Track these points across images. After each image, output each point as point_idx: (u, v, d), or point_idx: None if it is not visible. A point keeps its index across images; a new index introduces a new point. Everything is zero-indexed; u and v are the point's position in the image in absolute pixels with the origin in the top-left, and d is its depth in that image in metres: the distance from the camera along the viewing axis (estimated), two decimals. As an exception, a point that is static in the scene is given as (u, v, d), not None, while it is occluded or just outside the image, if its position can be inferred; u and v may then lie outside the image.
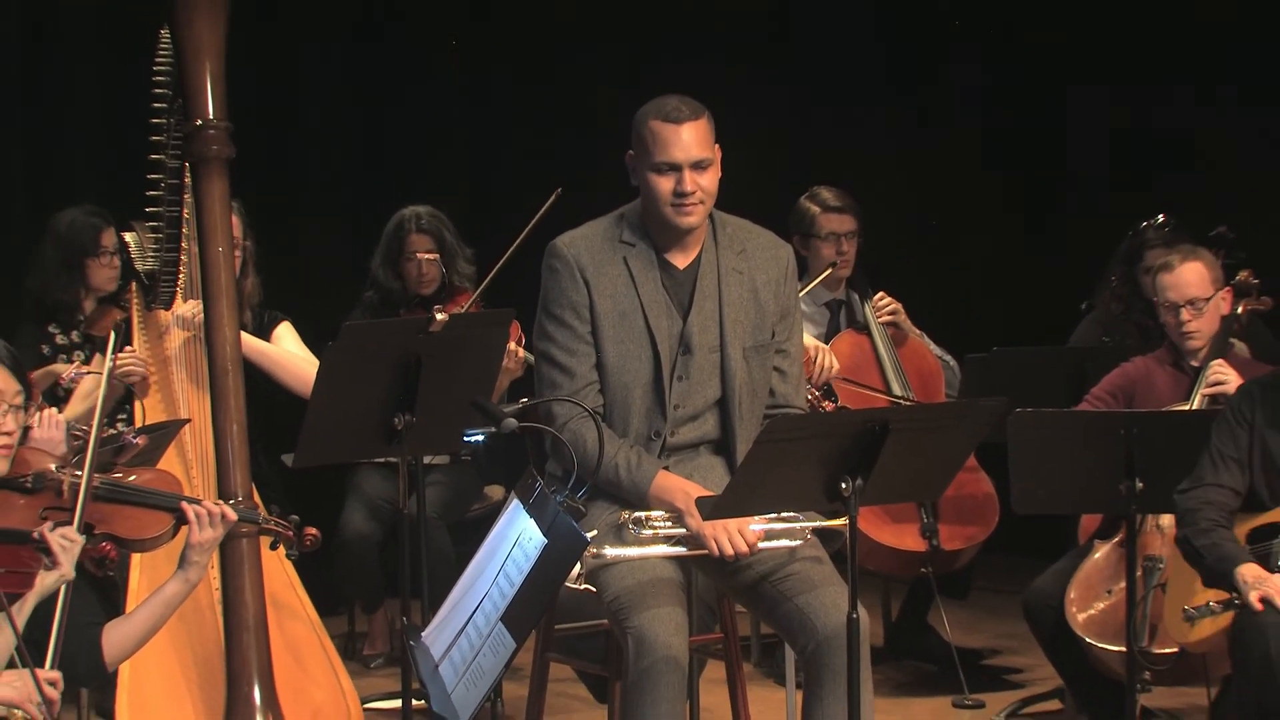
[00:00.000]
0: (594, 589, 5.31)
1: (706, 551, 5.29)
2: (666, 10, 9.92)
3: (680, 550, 5.32)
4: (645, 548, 5.31)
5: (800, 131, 9.90)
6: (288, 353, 6.99)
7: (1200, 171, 9.24)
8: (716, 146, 5.45)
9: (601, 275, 5.48)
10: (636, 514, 5.33)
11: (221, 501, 5.18)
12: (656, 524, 5.33)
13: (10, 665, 4.48)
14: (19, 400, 4.89)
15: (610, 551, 5.26)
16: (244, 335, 6.58)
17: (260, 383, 6.85)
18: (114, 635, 5.05)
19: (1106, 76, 9.67)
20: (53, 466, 4.91)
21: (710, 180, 5.43)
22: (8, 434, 4.86)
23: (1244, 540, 5.73)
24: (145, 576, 6.03)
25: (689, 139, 5.38)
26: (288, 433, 6.82)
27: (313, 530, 5.40)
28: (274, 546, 5.52)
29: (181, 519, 5.05)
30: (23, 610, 4.57)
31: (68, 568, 4.60)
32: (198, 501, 5.10)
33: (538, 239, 5.79)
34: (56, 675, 4.35)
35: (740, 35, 10.06)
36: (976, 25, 10.02)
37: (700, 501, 5.27)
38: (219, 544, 5.23)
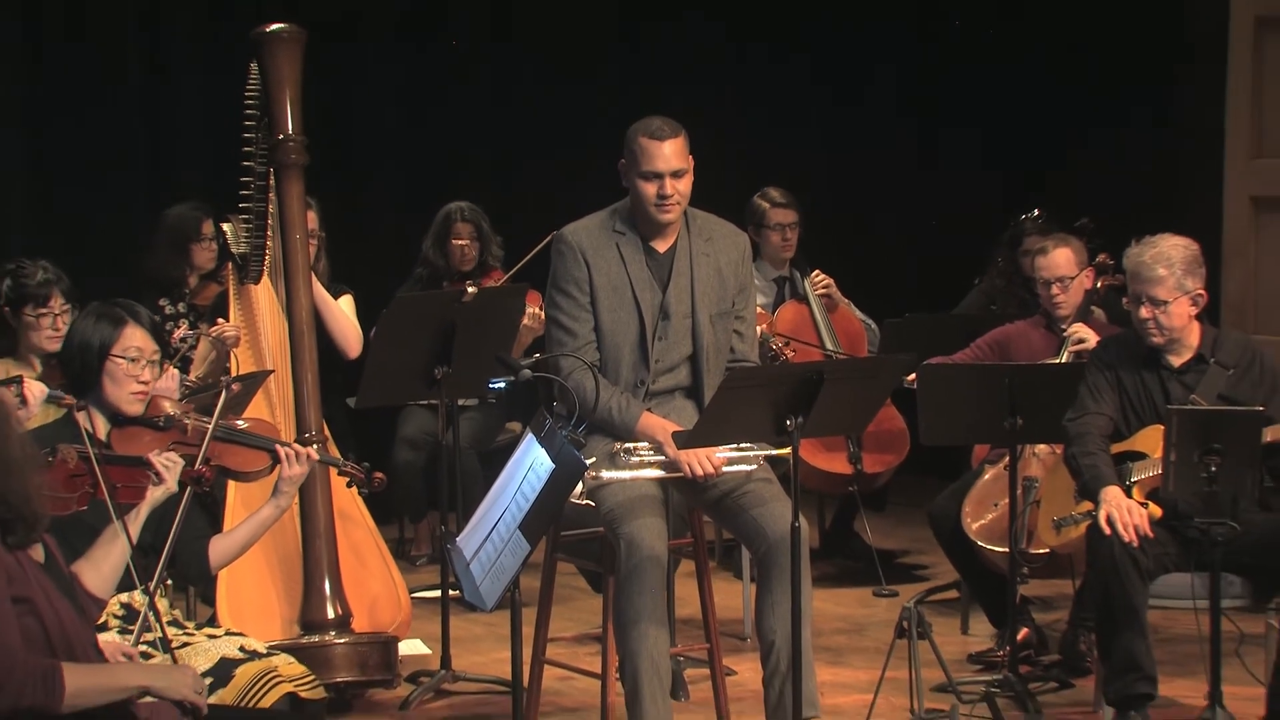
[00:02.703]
0: (593, 504, 5.31)
1: (682, 474, 5.29)
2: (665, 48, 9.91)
3: (661, 473, 5.32)
4: (633, 471, 5.31)
5: (758, 141, 9.87)
6: (340, 311, 6.99)
7: (1071, 170, 9.23)
8: (690, 157, 5.44)
9: (598, 257, 5.47)
10: (626, 445, 5.33)
11: (309, 447, 5.17)
12: (642, 453, 5.33)
13: (126, 578, 4.47)
14: (156, 357, 4.90)
15: (606, 474, 5.26)
16: (316, 285, 6.56)
17: (329, 343, 6.85)
18: (218, 547, 5.05)
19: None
20: (168, 408, 4.91)
21: (685, 185, 5.43)
22: (145, 383, 4.87)
23: (1103, 466, 5.74)
24: (239, 496, 6.04)
25: (670, 152, 5.38)
26: (350, 381, 6.85)
27: (380, 474, 5.39)
28: (349, 485, 5.52)
29: (276, 458, 5.05)
30: (137, 517, 4.56)
31: (171, 482, 4.60)
32: (290, 445, 5.09)
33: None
34: (134, 650, 4.33)
35: (714, 65, 10.05)
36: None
37: (676, 435, 5.27)
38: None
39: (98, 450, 4.54)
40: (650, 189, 5.41)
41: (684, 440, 5.24)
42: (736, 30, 10.04)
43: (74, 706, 3.70)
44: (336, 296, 7.07)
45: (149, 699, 3.85)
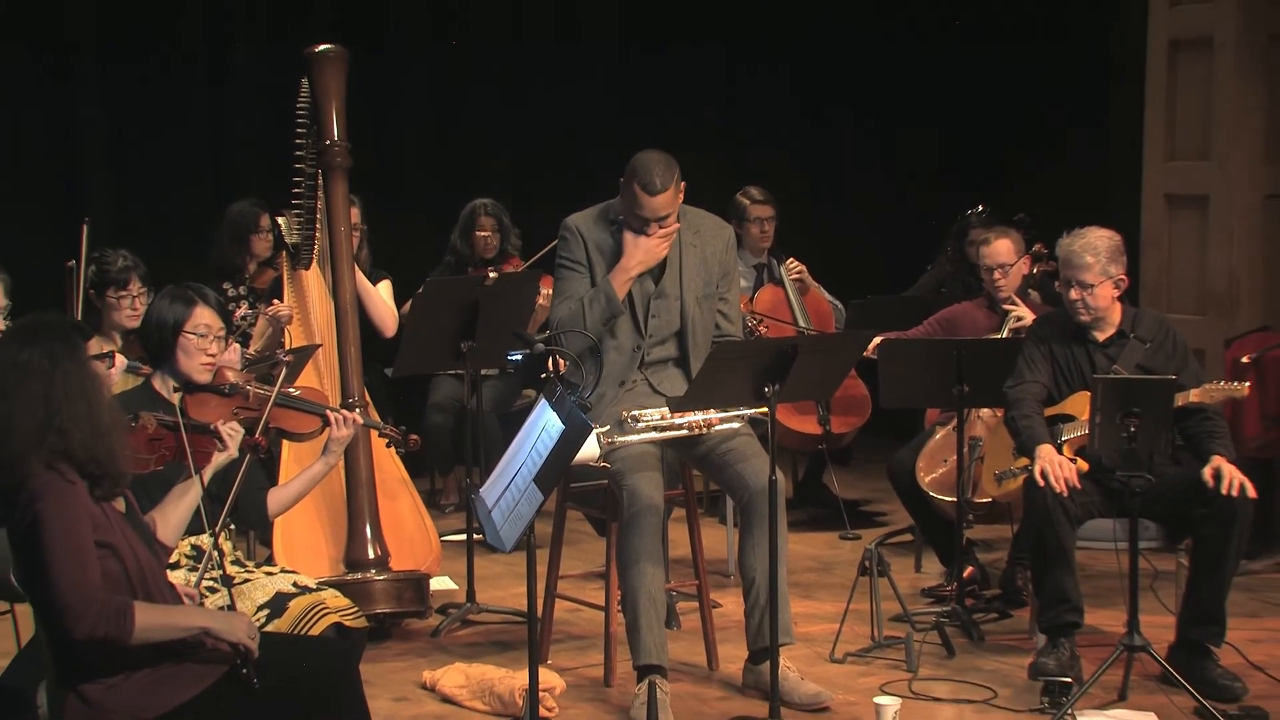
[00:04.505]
0: (609, 465, 5.30)
1: (678, 434, 5.29)
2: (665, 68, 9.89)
3: (658, 435, 5.32)
4: (639, 435, 5.29)
5: (743, 143, 9.86)
6: (379, 296, 6.99)
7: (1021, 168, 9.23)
8: (682, 185, 5.38)
9: (594, 244, 5.47)
10: (633, 413, 5.31)
11: (354, 412, 5.17)
12: (646, 418, 5.32)
13: (195, 523, 4.47)
14: (222, 333, 4.90)
15: (619, 439, 5.25)
16: (358, 274, 6.56)
17: (369, 323, 6.85)
18: (275, 498, 5.05)
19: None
20: (232, 378, 4.91)
21: (670, 221, 5.39)
22: (212, 356, 4.86)
23: (1037, 427, 5.75)
24: (292, 454, 6.05)
25: (659, 203, 5.33)
26: (388, 354, 6.84)
27: (415, 437, 5.39)
28: (388, 446, 5.52)
29: (326, 422, 5.04)
30: (204, 477, 4.56)
31: (233, 449, 4.59)
32: (338, 410, 5.09)
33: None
34: (194, 591, 4.34)
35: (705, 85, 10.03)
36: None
37: (671, 400, 5.29)
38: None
39: (173, 418, 4.55)
40: (639, 227, 5.39)
41: (677, 404, 5.25)
42: (726, 46, 10.01)
43: (143, 640, 3.71)
44: (377, 281, 7.07)
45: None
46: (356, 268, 6.48)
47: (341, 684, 4.00)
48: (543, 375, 5.25)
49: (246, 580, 4.72)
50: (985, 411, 6.41)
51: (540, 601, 5.49)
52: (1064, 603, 5.46)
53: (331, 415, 5.04)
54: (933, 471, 6.56)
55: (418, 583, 6.01)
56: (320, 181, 6.18)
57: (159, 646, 3.76)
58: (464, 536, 6.55)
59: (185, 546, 4.71)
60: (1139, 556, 5.26)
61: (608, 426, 5.23)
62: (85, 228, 6.09)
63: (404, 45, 9.46)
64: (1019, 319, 6.56)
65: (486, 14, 9.66)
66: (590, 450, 5.10)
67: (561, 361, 5.26)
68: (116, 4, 8.61)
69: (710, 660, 5.71)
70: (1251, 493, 5.34)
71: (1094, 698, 5.25)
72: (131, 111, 8.71)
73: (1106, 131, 8.94)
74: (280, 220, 6.50)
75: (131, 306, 6.08)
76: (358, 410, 5.39)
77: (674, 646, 5.60)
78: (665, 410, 5.31)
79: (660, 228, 5.37)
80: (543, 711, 5.05)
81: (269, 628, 4.47)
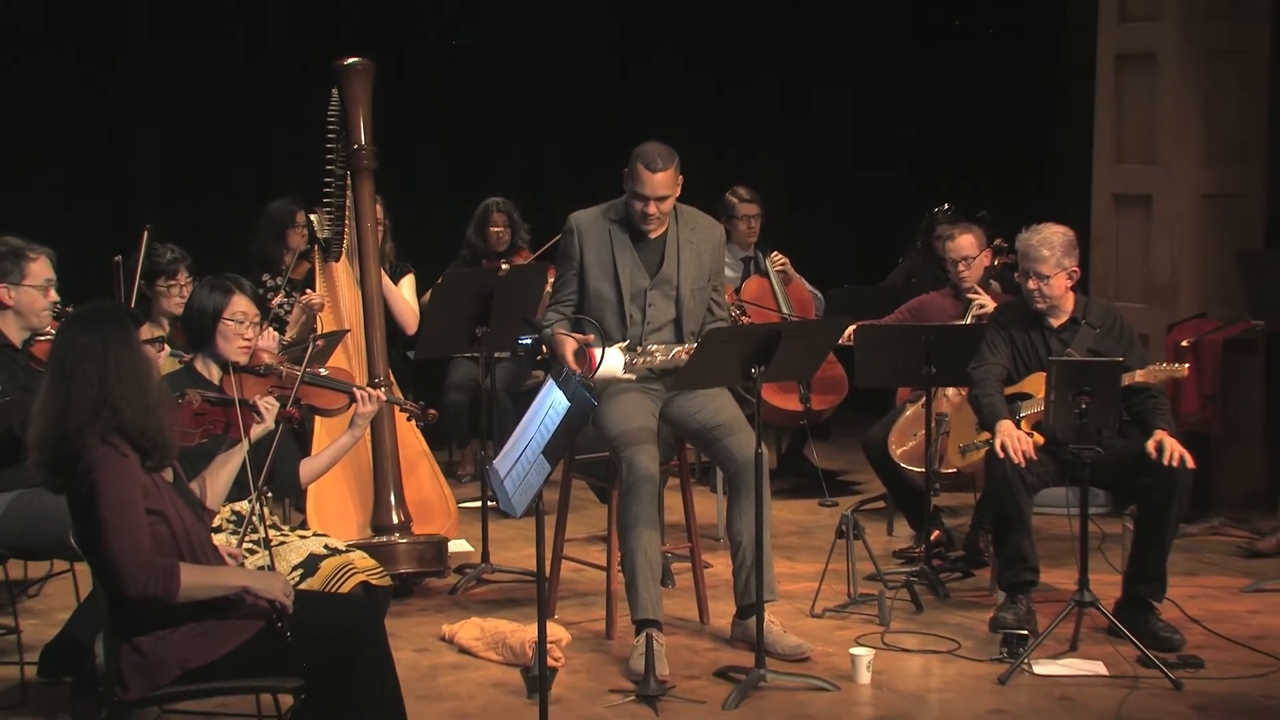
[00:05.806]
0: (634, 377, 5.29)
1: (679, 363, 5.30)
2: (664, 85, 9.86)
3: (665, 360, 5.35)
4: (640, 370, 5.34)
5: (733, 147, 9.84)
6: (402, 297, 6.95)
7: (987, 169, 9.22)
8: (679, 177, 5.38)
9: (591, 239, 5.47)
10: (637, 349, 5.34)
11: (378, 390, 5.16)
12: (651, 353, 5.36)
13: (235, 491, 4.46)
14: (257, 319, 4.89)
15: (638, 361, 5.32)
16: (384, 279, 6.55)
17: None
18: (307, 467, 5.05)
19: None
20: (268, 359, 4.90)
21: (667, 205, 5.39)
22: (249, 340, 4.85)
23: (997, 405, 5.74)
24: (323, 428, 6.01)
25: (659, 182, 5.33)
26: (410, 339, 6.82)
27: (433, 411, 5.39)
28: (409, 420, 5.51)
29: (353, 398, 5.04)
30: (244, 447, 4.56)
31: (270, 422, 4.59)
32: (364, 388, 5.08)
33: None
34: (238, 552, 4.33)
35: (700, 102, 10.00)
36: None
37: (666, 379, 5.29)
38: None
39: (216, 394, 4.55)
40: (638, 205, 5.39)
41: (673, 384, 5.24)
42: (717, 60, 10.00)
43: (188, 598, 3.73)
44: (401, 274, 7.04)
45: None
46: (384, 274, 6.47)
47: (368, 637, 4.00)
48: (538, 357, 5.27)
49: (282, 543, 4.72)
50: (951, 390, 6.41)
51: (548, 562, 5.50)
52: (1021, 563, 5.46)
53: (357, 392, 5.04)
54: (903, 444, 6.56)
55: (437, 545, 6.01)
56: (349, 182, 6.17)
57: (203, 603, 3.77)
58: (479, 503, 6.54)
59: (226, 512, 4.70)
60: (1089, 521, 5.27)
61: (628, 341, 5.25)
62: (146, 233, 6.10)
63: (428, 56, 9.44)
64: (981, 307, 6.55)
65: (498, 26, 9.64)
66: (616, 366, 5.20)
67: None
68: (163, 15, 8.61)
69: (701, 615, 5.71)
70: (1190, 463, 5.35)
71: (1048, 648, 5.26)
72: (178, 117, 8.70)
73: (1061, 136, 8.93)
74: (313, 217, 6.48)
75: (179, 295, 6.07)
76: (382, 388, 5.39)
77: (669, 603, 5.60)
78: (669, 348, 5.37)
79: (657, 208, 5.36)
80: (550, 661, 5.05)
81: (302, 586, 4.48)
